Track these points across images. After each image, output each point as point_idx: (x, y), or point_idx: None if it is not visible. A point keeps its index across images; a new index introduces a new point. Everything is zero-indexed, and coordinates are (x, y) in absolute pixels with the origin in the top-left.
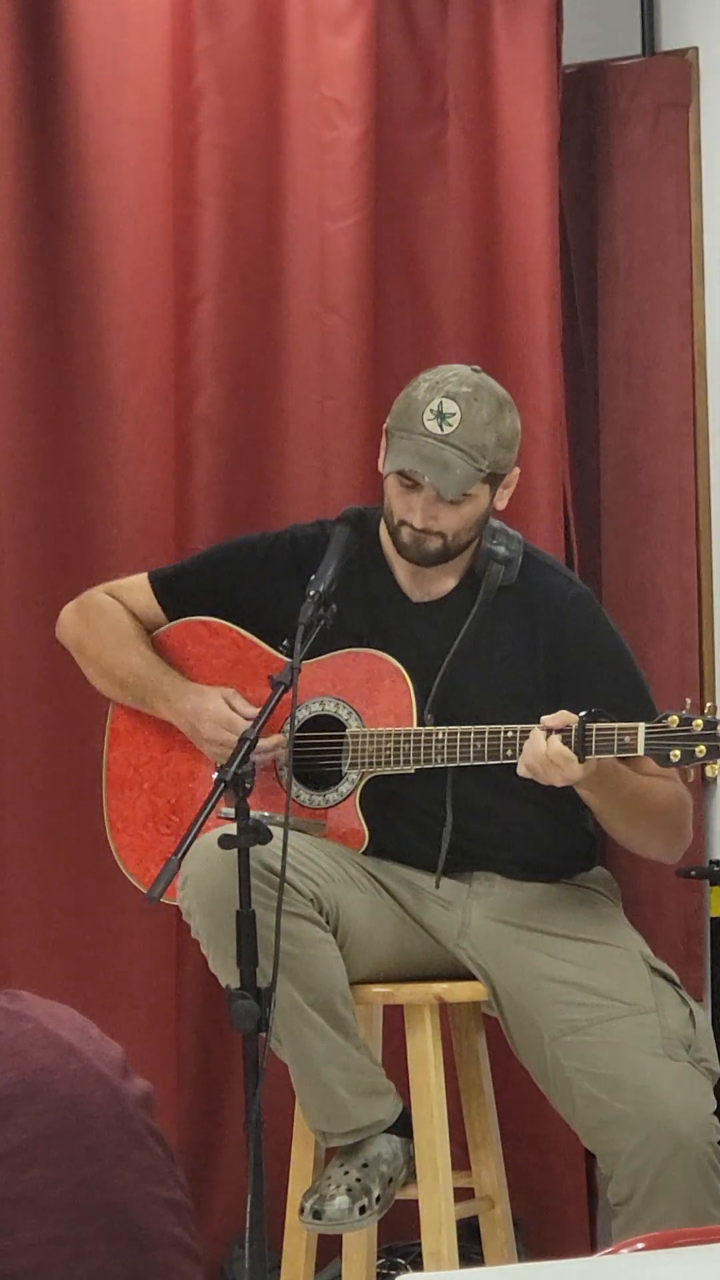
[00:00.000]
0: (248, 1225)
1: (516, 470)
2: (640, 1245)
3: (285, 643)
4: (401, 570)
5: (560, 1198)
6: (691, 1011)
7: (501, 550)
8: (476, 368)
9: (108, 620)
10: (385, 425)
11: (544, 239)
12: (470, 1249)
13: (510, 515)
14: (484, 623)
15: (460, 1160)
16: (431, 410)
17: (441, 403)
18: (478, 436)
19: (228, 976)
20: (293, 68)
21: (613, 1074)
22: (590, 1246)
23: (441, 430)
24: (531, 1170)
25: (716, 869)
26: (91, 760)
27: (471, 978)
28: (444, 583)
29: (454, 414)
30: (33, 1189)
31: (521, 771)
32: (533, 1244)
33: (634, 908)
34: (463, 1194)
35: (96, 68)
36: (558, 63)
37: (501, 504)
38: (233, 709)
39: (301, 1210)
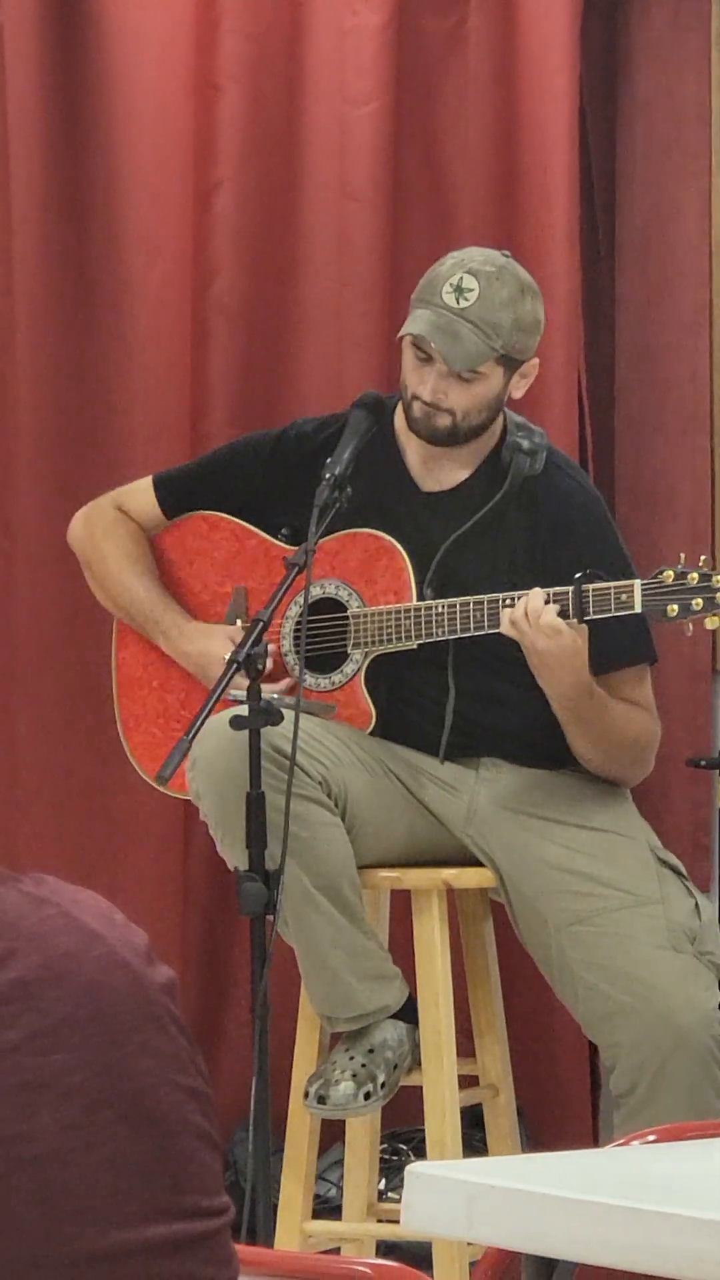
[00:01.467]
0: (251, 1108)
1: (536, 361)
2: (651, 1137)
3: (285, 531)
4: (414, 457)
5: (563, 1087)
6: (697, 904)
7: (525, 443)
8: (506, 252)
9: (113, 542)
10: (411, 298)
11: (563, 128)
12: (473, 1136)
13: (525, 402)
14: (496, 511)
15: (465, 1048)
16: (451, 284)
17: (462, 278)
18: (493, 314)
19: (236, 859)
20: None
21: (615, 966)
22: (592, 1137)
23: (458, 304)
24: (536, 1059)
25: None
26: (102, 647)
27: (480, 864)
28: (456, 473)
29: (472, 289)
30: (54, 1074)
31: (504, 627)
32: (535, 1133)
33: (641, 798)
34: (467, 1081)
35: None
36: None
37: (518, 393)
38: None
39: (306, 1095)
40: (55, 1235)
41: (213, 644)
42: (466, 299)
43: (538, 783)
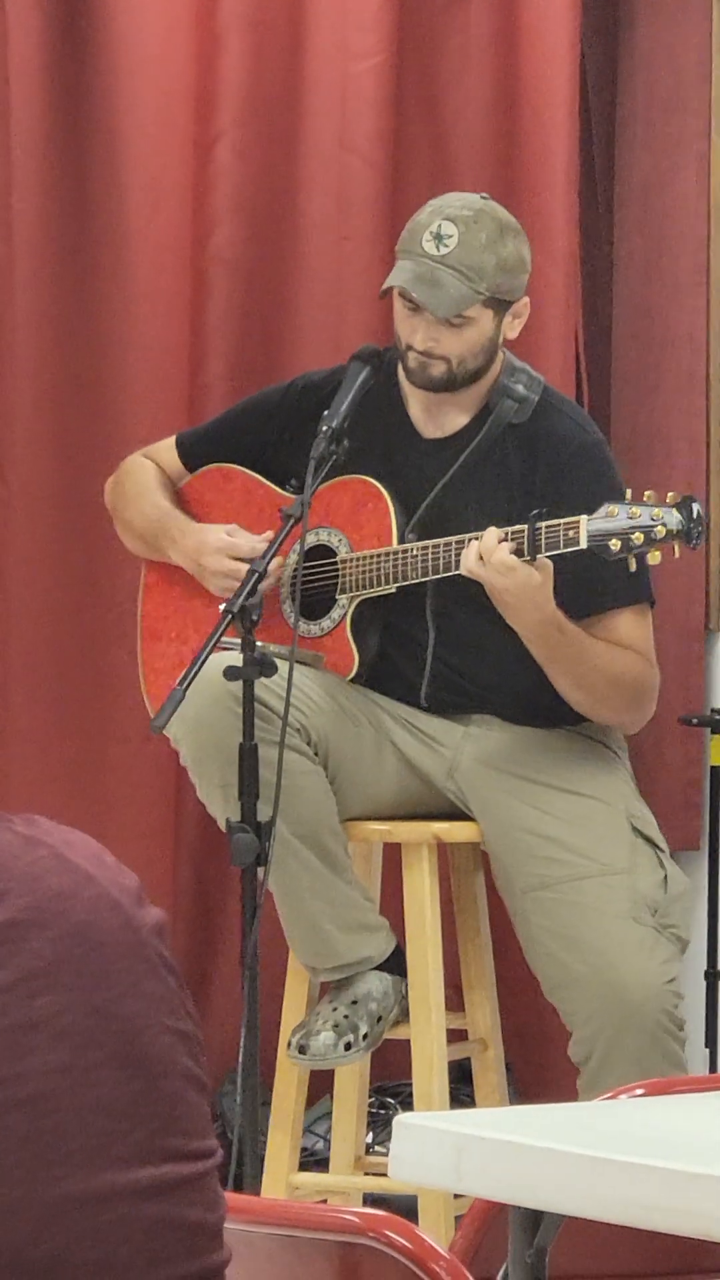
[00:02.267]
0: (240, 1060)
1: (526, 300)
2: (640, 1091)
3: (292, 481)
4: (416, 406)
5: (552, 1043)
6: (667, 876)
7: (520, 389)
8: (485, 195)
9: (133, 478)
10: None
11: (564, 84)
12: (461, 1090)
13: (524, 356)
14: (488, 455)
15: (454, 1002)
16: (430, 232)
17: (440, 225)
18: (474, 258)
19: (214, 806)
20: None
21: (575, 935)
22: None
23: (438, 251)
24: (525, 1013)
25: (717, 717)
26: (100, 590)
27: (470, 818)
28: (457, 419)
29: (451, 235)
30: (43, 1015)
31: (462, 569)
32: (523, 1088)
33: (633, 757)
34: (455, 1035)
35: None
36: None
37: (512, 333)
38: (233, 539)
39: (289, 1045)
40: (42, 1177)
41: (207, 534)
42: (446, 245)
43: (526, 742)
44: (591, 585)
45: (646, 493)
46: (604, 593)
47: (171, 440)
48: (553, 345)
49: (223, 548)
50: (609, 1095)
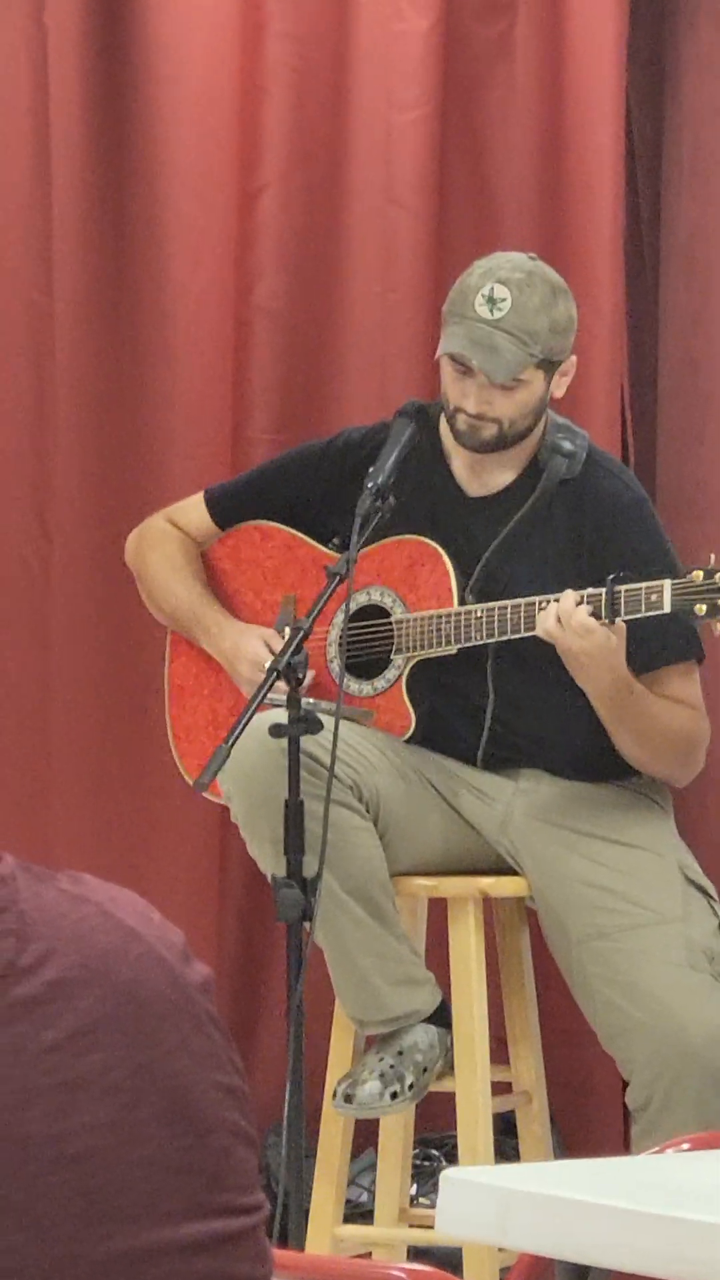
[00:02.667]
0: (285, 1113)
1: (574, 359)
2: (686, 1145)
3: (335, 539)
4: (460, 464)
5: (596, 1096)
6: None
7: (567, 445)
8: (533, 255)
9: (160, 551)
10: (442, 311)
11: (609, 137)
12: (506, 1143)
13: (567, 413)
14: (539, 514)
15: (499, 1054)
16: (483, 295)
17: (493, 288)
18: (529, 321)
19: (264, 862)
20: None
21: (632, 981)
22: (624, 1145)
23: (492, 315)
24: (569, 1067)
25: None
26: (142, 647)
27: (517, 873)
28: (502, 476)
29: (505, 299)
30: (91, 1072)
31: (539, 631)
32: (568, 1141)
33: (678, 811)
34: (500, 1088)
35: None
36: None
37: (559, 392)
38: (271, 650)
39: (334, 1095)
40: (90, 1235)
41: (245, 641)
42: (500, 309)
43: (576, 796)
44: (649, 643)
45: (710, 555)
46: (661, 650)
47: (198, 498)
48: (598, 398)
49: (256, 662)
50: (655, 1150)
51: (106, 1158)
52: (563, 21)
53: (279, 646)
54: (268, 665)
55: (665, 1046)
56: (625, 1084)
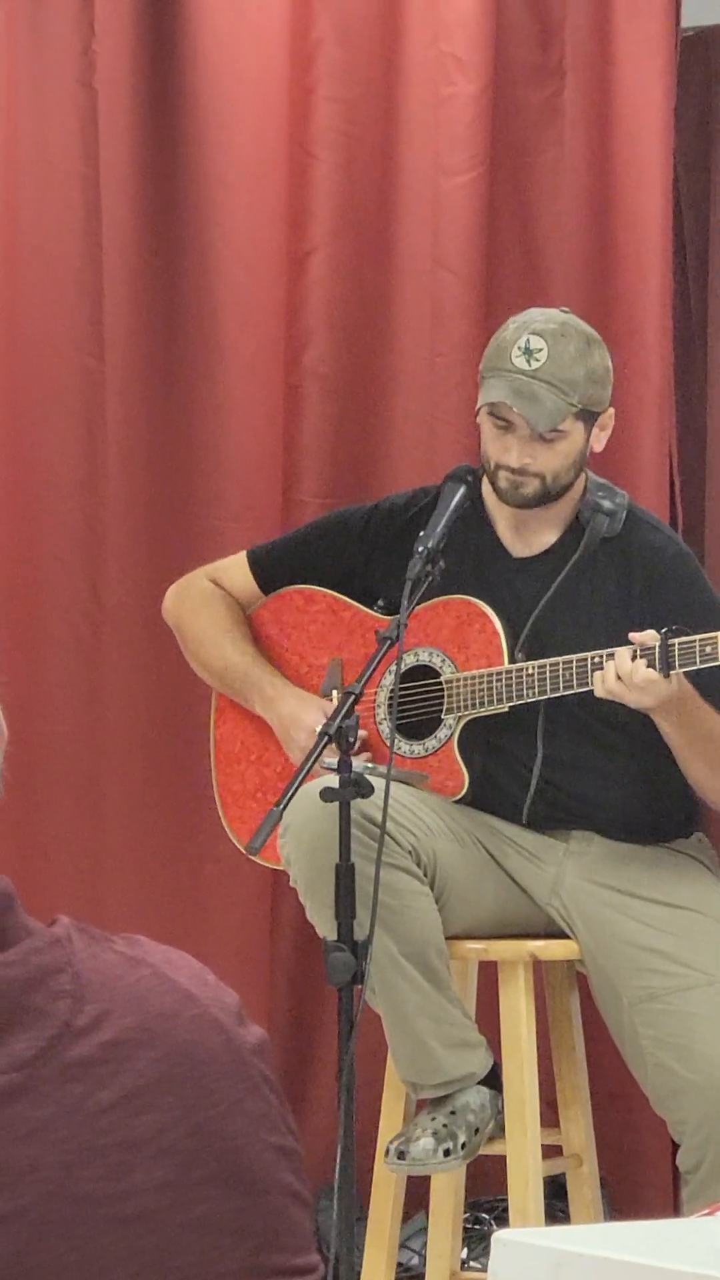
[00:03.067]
0: (336, 1175)
1: (612, 411)
2: None
3: (380, 602)
4: (504, 525)
5: (647, 1159)
6: None
7: (606, 503)
8: (565, 309)
9: (207, 611)
10: (479, 370)
11: (657, 201)
12: (556, 1206)
13: (616, 477)
14: (584, 571)
15: (549, 1117)
16: (519, 347)
17: (529, 339)
18: (566, 371)
19: (324, 926)
20: (411, 22)
21: (684, 1044)
22: (674, 1208)
23: (529, 365)
24: (619, 1130)
25: None
26: (192, 711)
27: (567, 936)
28: (546, 536)
29: (541, 349)
30: (147, 1133)
31: (598, 691)
32: (618, 1204)
33: None
34: (550, 1151)
35: (216, 18)
36: (676, 25)
37: (599, 446)
38: None
39: (387, 1153)
40: None
41: (304, 710)
42: (537, 360)
43: (626, 858)
44: (710, 687)
45: None
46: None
47: (240, 558)
48: (646, 462)
49: (317, 733)
50: (707, 1211)
51: (161, 1218)
52: (610, 85)
53: None
54: (319, 729)
55: (717, 1108)
56: (676, 1146)
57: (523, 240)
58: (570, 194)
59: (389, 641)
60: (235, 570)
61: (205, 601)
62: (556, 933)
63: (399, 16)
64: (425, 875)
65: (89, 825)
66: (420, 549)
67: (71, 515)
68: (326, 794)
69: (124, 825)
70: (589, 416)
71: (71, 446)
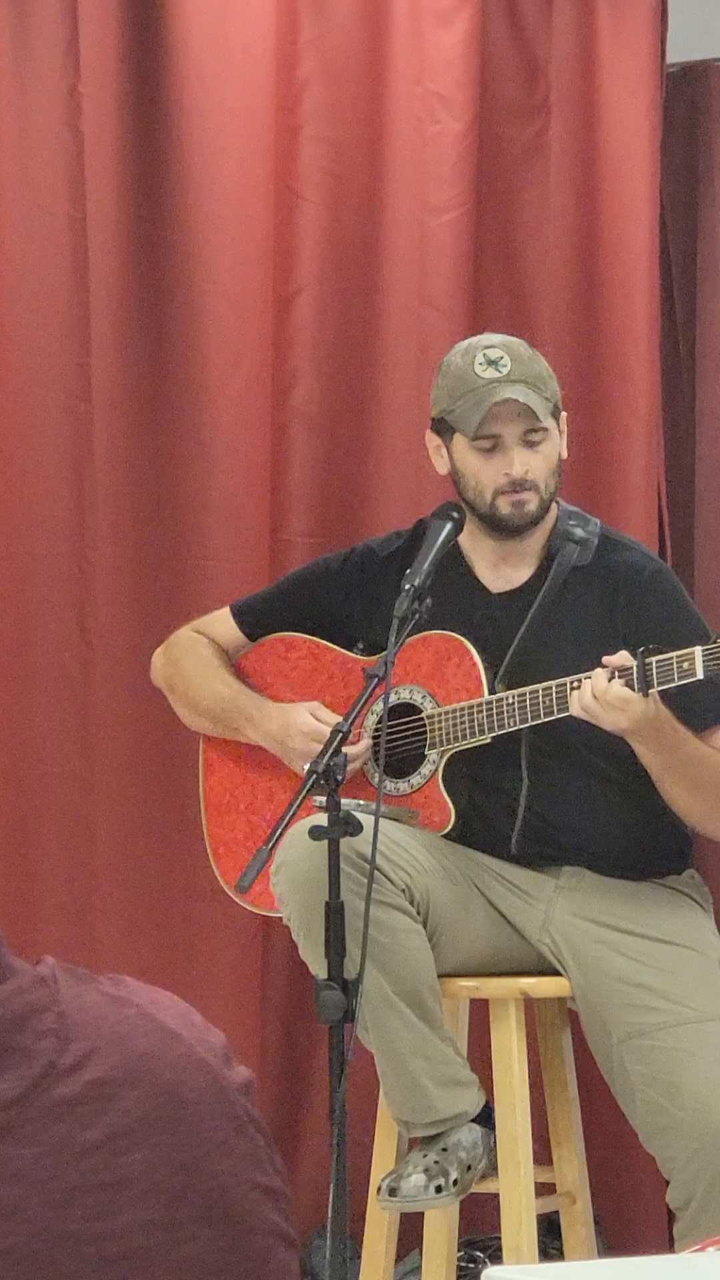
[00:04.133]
0: (329, 1214)
1: (565, 415)
2: None
3: (360, 644)
4: (482, 563)
5: (640, 1195)
6: None
7: (579, 532)
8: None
9: (192, 655)
10: (432, 421)
11: (644, 237)
12: (550, 1244)
13: (605, 510)
14: (560, 599)
15: (542, 1155)
16: (481, 362)
17: (485, 353)
18: (531, 368)
19: (316, 965)
20: (396, 61)
21: (674, 1080)
22: (669, 1245)
23: (501, 373)
24: (613, 1167)
25: None
26: (182, 750)
27: (558, 973)
28: (522, 571)
29: (502, 357)
30: (133, 1173)
31: (574, 711)
32: (612, 1241)
33: None
34: (544, 1189)
35: (201, 58)
36: (661, 61)
37: (564, 452)
38: (319, 720)
39: (379, 1189)
40: None
41: (292, 715)
42: (505, 366)
43: (617, 894)
44: (688, 709)
45: None
46: (702, 714)
47: (224, 612)
48: (635, 497)
49: (309, 732)
50: (697, 1247)
51: (147, 1258)
52: (596, 122)
53: (325, 714)
54: (307, 768)
55: (706, 1144)
56: (668, 1183)
57: (509, 277)
58: (556, 231)
59: (376, 679)
60: (219, 623)
61: (189, 647)
62: (548, 970)
63: (384, 55)
64: (418, 913)
65: (79, 864)
66: (407, 586)
67: (60, 556)
68: (315, 832)
69: (114, 865)
70: (558, 416)
71: (60, 488)
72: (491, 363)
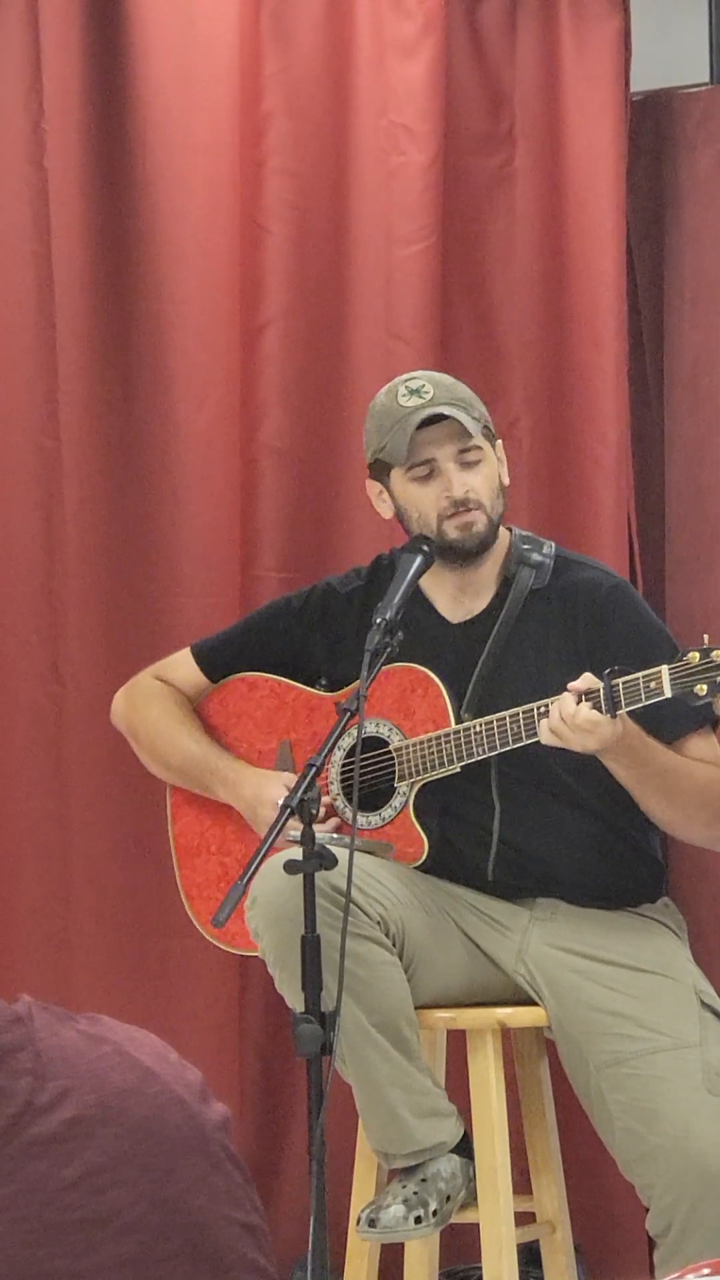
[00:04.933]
0: (310, 1249)
1: (501, 443)
2: (706, 1270)
3: (323, 680)
4: (441, 596)
5: (621, 1224)
6: None
7: (534, 556)
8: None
9: (158, 706)
10: (369, 469)
11: (611, 266)
12: (530, 1273)
13: (575, 541)
14: (521, 624)
15: (521, 1184)
16: (404, 393)
17: (407, 383)
18: (455, 393)
19: (293, 998)
20: (361, 93)
21: (651, 1107)
22: (649, 1272)
23: (425, 398)
24: (592, 1195)
25: None
26: (156, 787)
27: (535, 1003)
28: (481, 599)
29: (423, 385)
30: (111, 1210)
31: (544, 737)
32: (593, 1269)
33: (696, 939)
34: (524, 1218)
35: (165, 92)
36: (626, 90)
37: (505, 478)
38: None
39: (358, 1221)
40: None
41: (266, 787)
42: (427, 392)
43: (592, 923)
44: (657, 722)
45: (705, 635)
46: (676, 721)
47: (185, 654)
48: (606, 529)
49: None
50: (676, 1275)
51: None
52: (561, 152)
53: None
54: (280, 802)
55: (684, 1171)
56: (647, 1210)
57: (477, 309)
58: (523, 262)
59: (349, 713)
60: (180, 665)
61: (153, 697)
62: (525, 1000)
63: (348, 88)
64: (394, 945)
65: (55, 901)
66: (379, 619)
67: (31, 594)
68: (290, 866)
69: (90, 901)
70: (491, 438)
71: (29, 525)
72: (414, 391)
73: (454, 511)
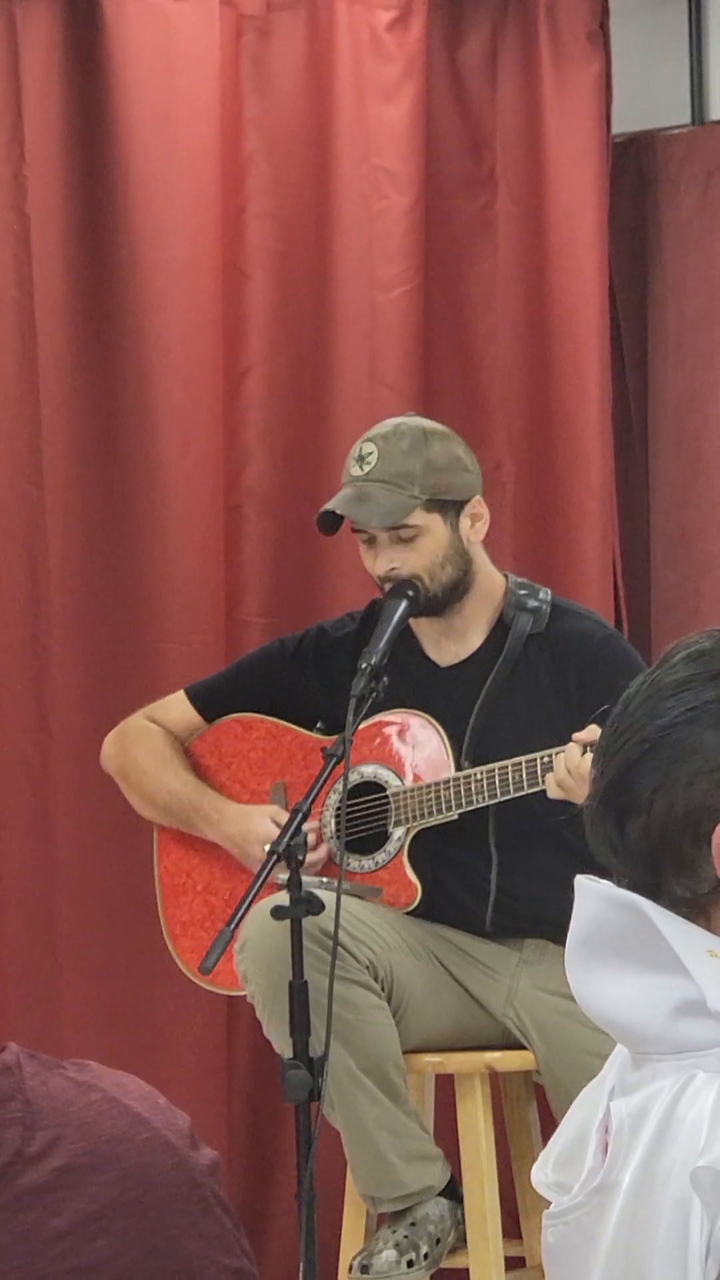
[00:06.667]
0: None
1: (479, 499)
2: None
3: (320, 724)
4: (428, 638)
5: None
6: None
7: (531, 601)
8: (411, 413)
9: (145, 746)
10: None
11: (594, 309)
12: None
13: (560, 585)
14: (515, 669)
15: (511, 1229)
16: (354, 457)
17: (362, 446)
18: (399, 465)
19: (281, 1043)
20: (342, 137)
21: None
22: None
23: (363, 470)
24: None
25: None
26: (142, 832)
27: (523, 1046)
28: (469, 642)
29: (371, 453)
30: (102, 1257)
31: (552, 791)
32: None
33: None
34: (514, 1262)
35: (145, 137)
36: (607, 132)
37: (476, 536)
38: (279, 826)
39: (350, 1269)
40: None
41: (253, 823)
42: (368, 464)
43: None
44: None
45: None
46: None
47: (179, 696)
48: (591, 571)
49: (269, 839)
50: None
51: None
52: (543, 194)
53: (284, 820)
54: (268, 848)
55: None
56: None
57: (459, 352)
58: (506, 304)
59: (335, 758)
60: (174, 707)
61: (142, 738)
62: (513, 1044)
63: (328, 131)
64: (383, 990)
65: (42, 948)
66: (363, 665)
67: (16, 642)
68: (278, 912)
69: (77, 948)
70: (445, 507)
71: (14, 573)
72: (360, 459)
73: (382, 584)
